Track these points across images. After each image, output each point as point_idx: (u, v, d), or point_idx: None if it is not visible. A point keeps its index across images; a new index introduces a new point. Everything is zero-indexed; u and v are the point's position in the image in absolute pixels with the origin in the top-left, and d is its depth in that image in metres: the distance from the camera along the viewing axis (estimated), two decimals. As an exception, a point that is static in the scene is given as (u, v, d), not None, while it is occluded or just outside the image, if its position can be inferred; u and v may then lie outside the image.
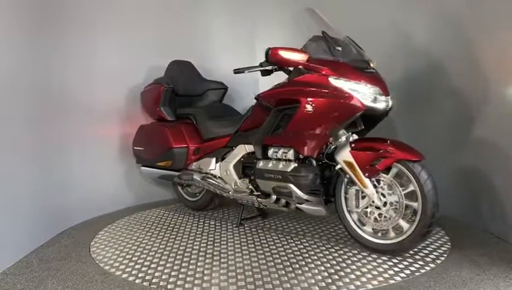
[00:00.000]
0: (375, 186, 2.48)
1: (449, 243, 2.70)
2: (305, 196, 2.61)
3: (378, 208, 2.50)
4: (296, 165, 2.64)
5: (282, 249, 2.67)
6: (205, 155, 3.30)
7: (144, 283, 2.25)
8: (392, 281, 2.20)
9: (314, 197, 2.64)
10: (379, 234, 2.55)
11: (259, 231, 3.01)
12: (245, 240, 2.84)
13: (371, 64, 2.61)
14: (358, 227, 2.59)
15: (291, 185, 2.63)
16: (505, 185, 2.72)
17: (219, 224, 3.21)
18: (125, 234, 3.03)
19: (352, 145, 2.53)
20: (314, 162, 2.65)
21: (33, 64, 2.83)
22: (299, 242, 2.77)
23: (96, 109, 3.44)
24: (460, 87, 3.16)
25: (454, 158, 3.24)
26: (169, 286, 2.21)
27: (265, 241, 2.80)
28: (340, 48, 2.57)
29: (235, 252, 2.63)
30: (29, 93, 2.76)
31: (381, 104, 2.48)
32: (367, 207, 2.53)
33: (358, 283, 2.19)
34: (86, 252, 2.69)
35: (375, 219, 2.52)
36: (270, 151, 2.80)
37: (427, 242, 2.72)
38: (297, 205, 2.71)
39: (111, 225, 3.23)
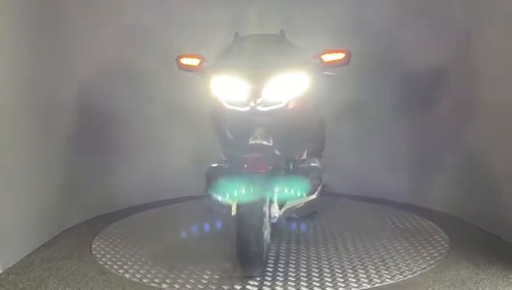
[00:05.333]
0: None
1: (448, 243, 2.71)
2: (216, 196, 2.49)
3: None
4: (212, 165, 2.58)
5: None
6: None
7: (145, 282, 2.26)
8: (391, 281, 2.21)
9: None
10: None
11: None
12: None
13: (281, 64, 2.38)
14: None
15: None
16: (504, 185, 2.73)
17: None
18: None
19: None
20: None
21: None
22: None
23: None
24: (457, 89, 3.19)
25: (454, 158, 3.25)
26: (169, 286, 2.22)
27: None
28: (236, 48, 2.51)
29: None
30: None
31: (246, 107, 2.28)
32: None
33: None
34: (87, 252, 2.70)
35: None
36: None
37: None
38: None
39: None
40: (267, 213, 2.29)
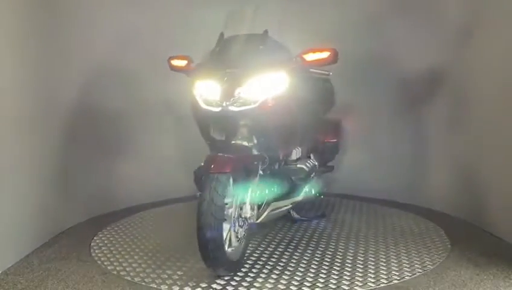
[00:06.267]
0: None
1: (449, 243, 2.71)
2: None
3: None
4: (201, 164, 2.60)
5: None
6: None
7: (144, 283, 2.25)
8: (391, 281, 2.20)
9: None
10: None
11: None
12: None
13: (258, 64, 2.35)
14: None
15: None
16: (504, 185, 2.73)
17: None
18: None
19: None
20: None
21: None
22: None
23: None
24: (454, 88, 3.20)
25: (454, 158, 3.25)
26: (169, 286, 2.21)
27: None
28: (217, 49, 2.53)
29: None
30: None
31: (217, 108, 2.29)
32: None
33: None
34: (86, 252, 2.69)
35: None
36: None
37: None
38: None
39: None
40: (234, 214, 2.27)
